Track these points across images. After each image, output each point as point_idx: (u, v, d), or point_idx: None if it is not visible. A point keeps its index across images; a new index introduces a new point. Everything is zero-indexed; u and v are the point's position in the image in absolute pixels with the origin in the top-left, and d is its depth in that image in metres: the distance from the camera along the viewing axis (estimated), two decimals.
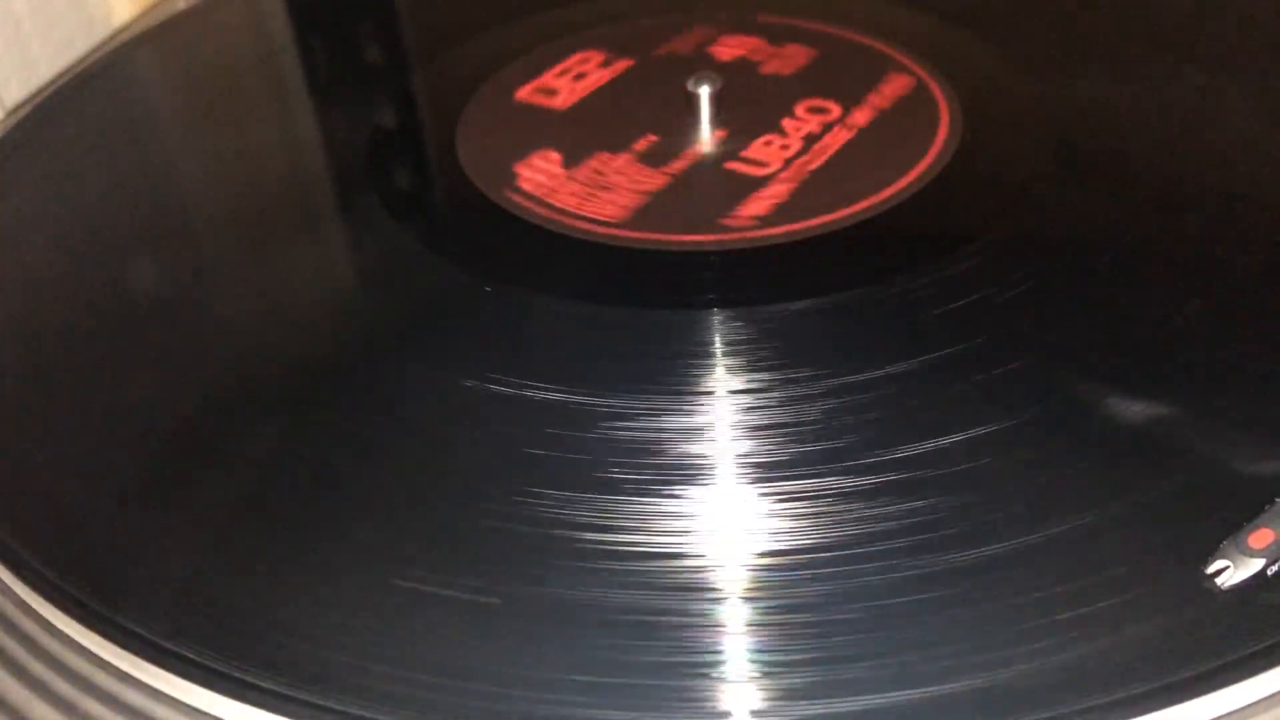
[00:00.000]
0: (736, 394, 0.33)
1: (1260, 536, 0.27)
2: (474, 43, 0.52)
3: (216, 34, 0.56)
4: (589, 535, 0.29)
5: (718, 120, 0.44)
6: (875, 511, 0.29)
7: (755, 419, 0.32)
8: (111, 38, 0.59)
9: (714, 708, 0.26)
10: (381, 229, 0.41)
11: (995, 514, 0.29)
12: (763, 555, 0.29)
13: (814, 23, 0.50)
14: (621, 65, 0.49)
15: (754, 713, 0.25)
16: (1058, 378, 0.33)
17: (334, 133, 0.48)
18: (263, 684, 0.27)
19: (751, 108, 0.45)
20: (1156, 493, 0.29)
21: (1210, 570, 0.27)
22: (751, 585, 0.28)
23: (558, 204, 0.41)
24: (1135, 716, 0.25)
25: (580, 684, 0.26)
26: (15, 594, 0.30)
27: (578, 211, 0.40)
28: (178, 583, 0.30)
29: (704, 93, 0.44)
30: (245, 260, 0.41)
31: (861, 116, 0.44)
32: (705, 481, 0.30)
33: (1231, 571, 0.27)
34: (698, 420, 0.32)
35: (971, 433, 0.31)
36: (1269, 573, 0.26)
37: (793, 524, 0.29)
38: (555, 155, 0.44)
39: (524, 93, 0.48)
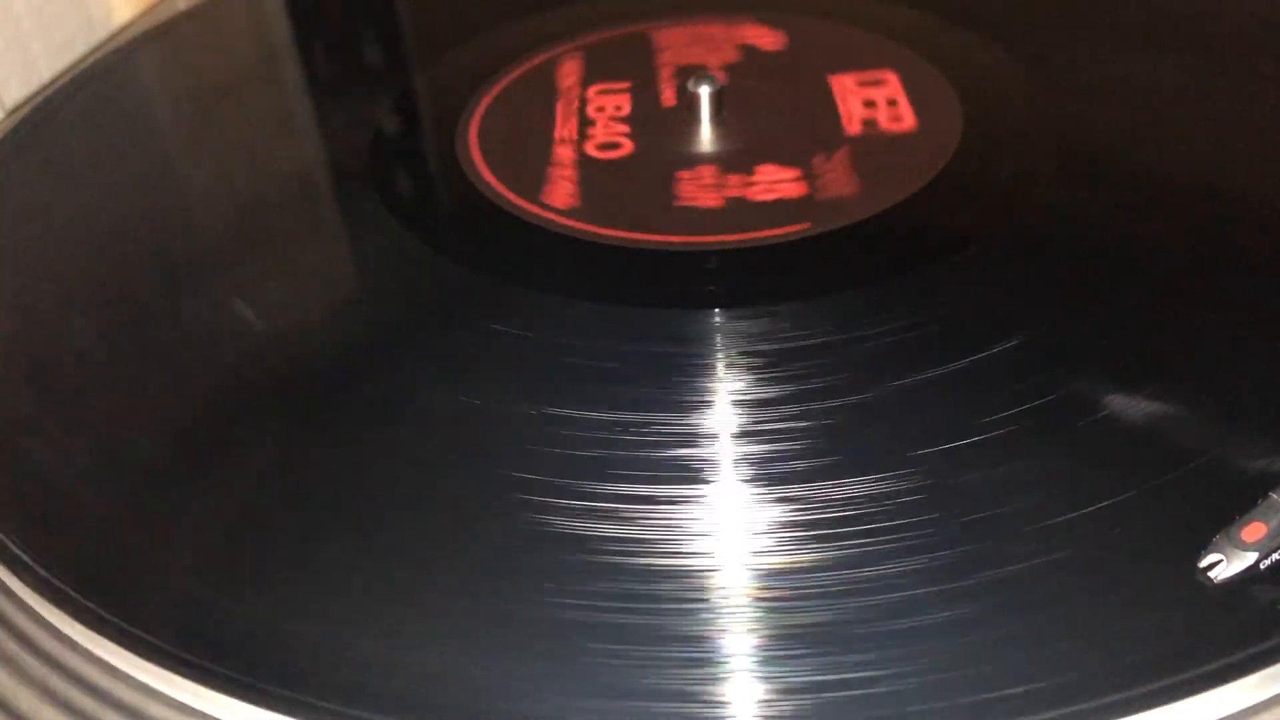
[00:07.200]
0: (736, 395, 0.33)
1: (1253, 530, 0.27)
2: (474, 43, 0.52)
3: (216, 34, 0.56)
4: (590, 537, 0.29)
5: (719, 120, 0.44)
6: (872, 511, 0.29)
7: (754, 420, 0.32)
8: (111, 38, 0.59)
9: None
10: (382, 229, 0.41)
11: (992, 513, 0.29)
12: (761, 557, 0.29)
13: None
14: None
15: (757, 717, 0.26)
16: (1054, 376, 0.33)
17: (333, 133, 0.48)
18: (266, 687, 0.27)
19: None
20: (1150, 488, 0.29)
21: (1203, 564, 0.27)
22: (753, 591, 0.28)
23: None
24: (1132, 716, 0.25)
25: (582, 690, 0.26)
26: (20, 598, 0.30)
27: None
28: (183, 587, 0.30)
29: (704, 93, 0.44)
30: (246, 262, 0.42)
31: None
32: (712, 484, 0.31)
33: (1224, 565, 0.27)
34: (697, 421, 0.32)
35: (969, 432, 0.31)
36: (1261, 566, 0.27)
37: (793, 526, 0.29)
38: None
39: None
